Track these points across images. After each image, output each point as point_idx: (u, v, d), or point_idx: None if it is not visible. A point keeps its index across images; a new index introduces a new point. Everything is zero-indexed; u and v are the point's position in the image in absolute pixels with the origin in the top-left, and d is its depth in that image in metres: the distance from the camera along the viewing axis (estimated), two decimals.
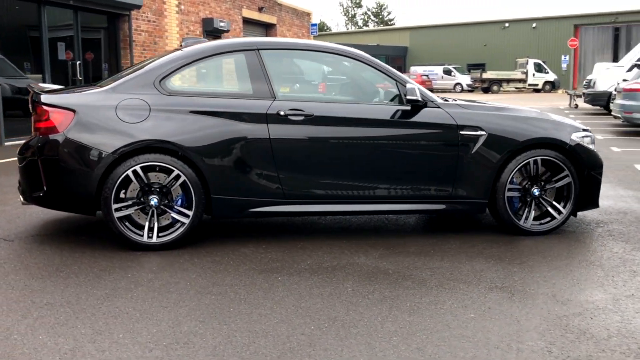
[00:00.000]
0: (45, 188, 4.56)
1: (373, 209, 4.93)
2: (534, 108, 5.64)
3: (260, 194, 4.69)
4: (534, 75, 43.26)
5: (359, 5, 78.02)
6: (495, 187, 4.94)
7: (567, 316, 3.36)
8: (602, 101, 19.03)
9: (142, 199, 4.55)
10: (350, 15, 78.53)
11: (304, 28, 28.12)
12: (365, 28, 71.95)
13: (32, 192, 4.67)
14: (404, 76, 5.04)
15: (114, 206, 4.47)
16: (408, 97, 4.79)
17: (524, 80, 43.33)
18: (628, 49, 38.23)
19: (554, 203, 5.09)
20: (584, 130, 5.24)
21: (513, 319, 3.32)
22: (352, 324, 3.25)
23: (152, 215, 4.55)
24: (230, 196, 4.65)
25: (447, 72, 47.04)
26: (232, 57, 5.01)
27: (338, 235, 5.11)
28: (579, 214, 5.46)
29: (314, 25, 29.63)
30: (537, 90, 43.03)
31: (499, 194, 4.94)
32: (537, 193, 5.03)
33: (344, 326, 3.22)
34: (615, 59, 41.66)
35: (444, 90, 43.24)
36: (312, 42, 5.34)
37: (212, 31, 18.90)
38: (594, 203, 5.22)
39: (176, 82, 4.83)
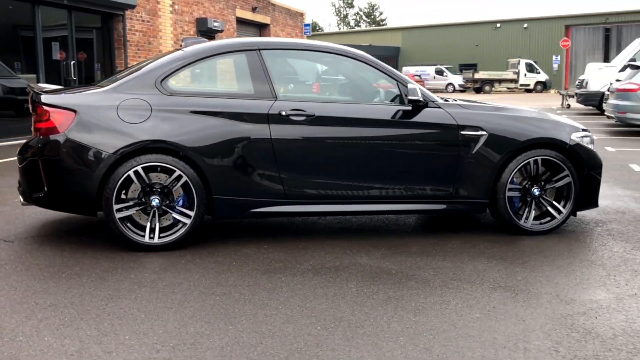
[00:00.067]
0: (46, 189, 4.54)
1: (373, 209, 4.93)
2: (530, 108, 5.66)
3: (261, 194, 4.68)
4: (525, 75, 43.44)
5: (351, 6, 77.84)
6: (495, 187, 4.96)
7: (572, 315, 3.38)
8: (594, 101, 19.12)
9: (143, 200, 4.54)
10: (342, 16, 78.40)
11: (298, 28, 28.11)
12: (357, 28, 71.87)
13: (32, 192, 4.65)
14: (405, 76, 5.06)
15: (116, 207, 4.45)
16: (409, 97, 4.79)
17: (515, 81, 43.51)
18: (619, 49, 38.46)
19: (554, 203, 5.11)
20: (583, 130, 5.26)
21: (518, 319, 3.33)
22: (359, 324, 3.25)
23: (154, 216, 4.53)
24: (231, 196, 4.64)
25: (439, 73, 47.12)
26: (233, 57, 5.00)
27: (339, 235, 5.11)
28: (579, 213, 5.48)
29: (307, 25, 29.63)
30: (528, 91, 43.19)
31: (499, 193, 4.95)
32: (537, 193, 5.05)
33: (350, 326, 3.23)
34: (606, 59, 41.85)
35: (436, 91, 43.19)
36: (312, 42, 5.33)
37: (206, 31, 18.84)
38: (593, 203, 5.25)
39: (177, 82, 4.81)
